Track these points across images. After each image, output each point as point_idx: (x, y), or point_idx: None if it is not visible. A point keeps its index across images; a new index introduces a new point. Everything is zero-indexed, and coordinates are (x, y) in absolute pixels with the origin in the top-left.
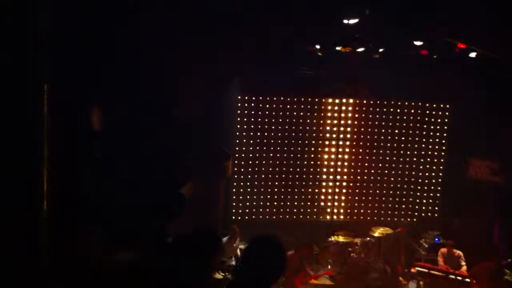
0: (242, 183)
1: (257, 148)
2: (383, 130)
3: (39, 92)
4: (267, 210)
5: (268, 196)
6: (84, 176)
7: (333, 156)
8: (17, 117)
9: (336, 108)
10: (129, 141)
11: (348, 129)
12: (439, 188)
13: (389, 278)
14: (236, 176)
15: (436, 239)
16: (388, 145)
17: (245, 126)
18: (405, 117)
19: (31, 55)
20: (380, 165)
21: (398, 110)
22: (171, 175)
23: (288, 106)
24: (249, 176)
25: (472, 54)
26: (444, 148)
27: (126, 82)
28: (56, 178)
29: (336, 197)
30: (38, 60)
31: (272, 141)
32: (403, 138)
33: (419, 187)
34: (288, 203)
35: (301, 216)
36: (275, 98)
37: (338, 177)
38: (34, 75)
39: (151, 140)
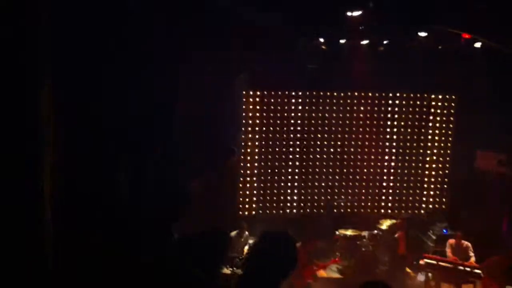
0: (248, 178)
1: (263, 143)
2: (389, 123)
3: (40, 93)
4: (274, 205)
5: (275, 191)
6: (88, 177)
7: (339, 150)
8: (17, 118)
9: (344, 102)
10: (132, 141)
11: (354, 122)
12: (446, 179)
13: (397, 270)
14: (242, 172)
15: (444, 231)
16: (395, 137)
17: (250, 121)
18: (410, 109)
19: (31, 55)
20: (387, 157)
21: (404, 102)
22: (176, 174)
23: (293, 101)
24: (255, 171)
25: (477, 44)
26: (450, 139)
27: (129, 82)
28: (59, 180)
29: (343, 190)
30: (38, 60)
31: (278, 135)
32: (409, 130)
33: (426, 179)
34: (295, 198)
35: (308, 210)
36: (280, 93)
37: (345, 170)
38: (34, 76)
39: (155, 140)
